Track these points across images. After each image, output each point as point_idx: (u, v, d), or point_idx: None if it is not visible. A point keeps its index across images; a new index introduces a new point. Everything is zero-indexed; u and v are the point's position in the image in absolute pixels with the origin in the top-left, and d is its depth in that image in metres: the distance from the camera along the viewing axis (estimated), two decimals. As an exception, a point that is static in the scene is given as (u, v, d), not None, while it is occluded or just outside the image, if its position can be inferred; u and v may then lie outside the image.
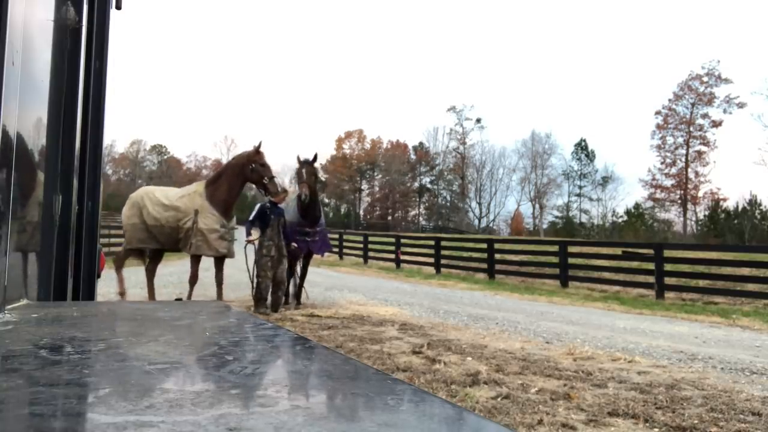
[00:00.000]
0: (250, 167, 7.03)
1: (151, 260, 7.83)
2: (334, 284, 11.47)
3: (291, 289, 8.15)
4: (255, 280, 7.08)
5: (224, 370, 0.87)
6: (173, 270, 12.86)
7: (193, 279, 7.18)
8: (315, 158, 7.68)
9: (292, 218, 7.63)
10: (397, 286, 12.28)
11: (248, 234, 7.18)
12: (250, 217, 7.21)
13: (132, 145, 72.51)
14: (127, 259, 7.80)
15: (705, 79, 50.08)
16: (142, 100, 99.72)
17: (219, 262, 7.22)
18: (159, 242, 7.32)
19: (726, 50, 76.74)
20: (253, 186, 7.51)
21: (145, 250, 7.78)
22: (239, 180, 7.17)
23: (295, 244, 7.50)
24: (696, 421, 3.16)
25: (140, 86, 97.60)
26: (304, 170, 7.52)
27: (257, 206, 7.32)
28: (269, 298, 7.19)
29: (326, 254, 10.40)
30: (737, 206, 42.84)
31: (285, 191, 7.29)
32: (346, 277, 9.66)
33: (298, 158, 7.61)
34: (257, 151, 7.10)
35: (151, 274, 7.74)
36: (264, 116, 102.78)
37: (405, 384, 0.79)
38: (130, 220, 7.29)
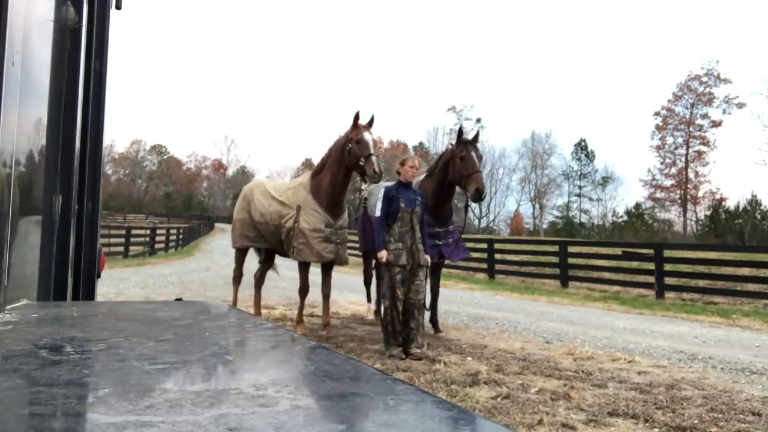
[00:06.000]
0: (347, 148, 5.31)
1: (263, 263, 6.75)
2: (334, 284, 11.38)
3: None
4: (381, 303, 5.10)
5: (224, 370, 0.87)
6: (173, 270, 12.85)
7: (303, 291, 5.74)
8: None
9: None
10: (397, 286, 12.26)
11: (380, 243, 4.78)
12: (377, 211, 4.88)
13: (132, 145, 72.71)
14: (243, 264, 6.60)
15: (704, 79, 50.05)
16: (142, 100, 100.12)
17: (326, 269, 5.75)
18: (266, 241, 6.10)
19: (726, 50, 76.73)
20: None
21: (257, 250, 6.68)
22: (342, 167, 5.42)
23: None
24: (696, 421, 3.16)
25: (140, 86, 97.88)
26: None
27: (381, 191, 5.06)
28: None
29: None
30: (737, 206, 42.86)
31: (379, 174, 5.15)
32: (346, 278, 9.64)
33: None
34: (354, 126, 5.36)
35: (259, 282, 6.65)
36: (264, 116, 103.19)
37: (405, 384, 0.78)
38: (239, 215, 6.27)
